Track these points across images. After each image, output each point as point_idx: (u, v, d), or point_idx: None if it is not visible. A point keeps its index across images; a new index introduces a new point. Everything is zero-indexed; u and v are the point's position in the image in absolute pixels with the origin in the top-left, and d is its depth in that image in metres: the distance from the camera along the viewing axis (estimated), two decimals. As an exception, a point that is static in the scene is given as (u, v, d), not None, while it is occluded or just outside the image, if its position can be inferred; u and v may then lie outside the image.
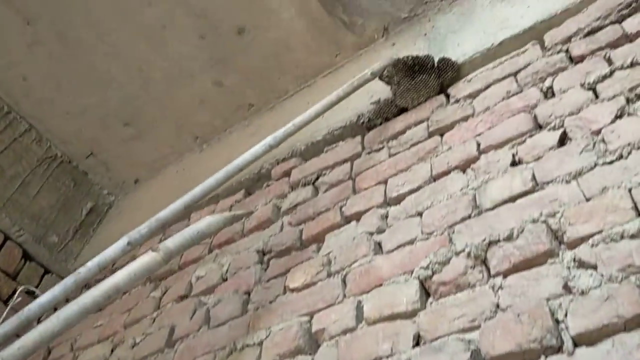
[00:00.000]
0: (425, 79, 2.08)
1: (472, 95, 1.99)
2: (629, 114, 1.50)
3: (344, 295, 1.68)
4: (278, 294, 1.86)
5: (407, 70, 2.13)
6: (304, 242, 2.02)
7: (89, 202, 3.29)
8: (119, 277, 1.48)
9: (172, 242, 1.60)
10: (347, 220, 1.96)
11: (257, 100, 2.92)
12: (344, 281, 1.73)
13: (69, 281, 1.54)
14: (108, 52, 2.82)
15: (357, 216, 1.93)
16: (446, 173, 1.81)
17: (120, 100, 2.98)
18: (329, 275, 1.79)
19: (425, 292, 1.54)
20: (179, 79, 2.87)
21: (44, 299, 1.51)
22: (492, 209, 1.57)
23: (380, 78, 2.19)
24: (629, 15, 1.77)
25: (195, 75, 2.85)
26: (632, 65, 1.62)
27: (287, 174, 2.37)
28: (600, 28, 1.80)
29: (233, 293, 2.00)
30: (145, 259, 1.53)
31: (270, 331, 1.74)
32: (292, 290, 1.83)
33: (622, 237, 1.27)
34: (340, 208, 2.01)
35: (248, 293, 1.98)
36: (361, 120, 2.27)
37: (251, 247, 2.15)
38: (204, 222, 1.70)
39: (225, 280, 2.13)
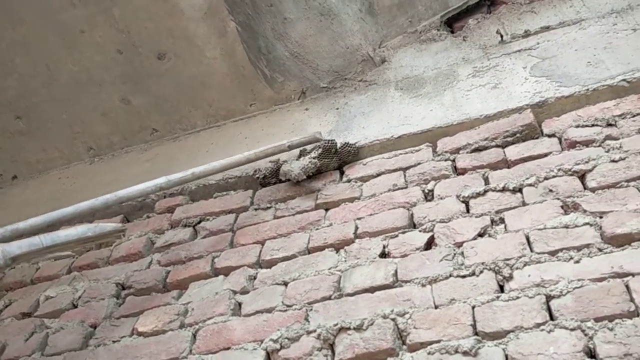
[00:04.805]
0: (327, 162, 2.15)
1: (364, 179, 2.07)
2: (489, 235, 1.62)
3: (190, 351, 1.64)
4: (125, 334, 1.79)
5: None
6: (168, 285, 1.96)
7: (-45, 189, 3.03)
8: None
9: (18, 246, 1.47)
10: (216, 272, 1.94)
11: (162, 128, 2.86)
12: (194, 336, 1.69)
13: None
14: (16, 41, 2.67)
15: (227, 271, 1.91)
16: (321, 249, 1.85)
17: (18, 92, 2.81)
18: (182, 326, 1.75)
19: (269, 365, 1.54)
20: (86, 86, 2.76)
21: None
22: (352, 295, 1.62)
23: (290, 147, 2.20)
24: (512, 143, 1.94)
25: (103, 87, 2.76)
26: (504, 189, 1.76)
27: (171, 210, 2.32)
28: (485, 148, 1.95)
29: (78, 323, 1.90)
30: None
31: (104, 373, 1.66)
32: (140, 334, 1.76)
33: (456, 351, 1.34)
34: (213, 259, 1.99)
35: (94, 326, 1.88)
36: (257, 175, 2.28)
37: (112, 277, 2.06)
38: (65, 231, 1.58)
39: (75, 307, 2.01)
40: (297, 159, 2.18)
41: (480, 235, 1.64)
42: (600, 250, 1.44)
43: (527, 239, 1.55)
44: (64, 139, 2.93)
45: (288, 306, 1.66)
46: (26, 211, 2.70)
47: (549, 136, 1.91)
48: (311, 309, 1.62)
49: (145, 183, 1.95)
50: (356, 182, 2.08)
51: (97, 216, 2.41)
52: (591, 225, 1.52)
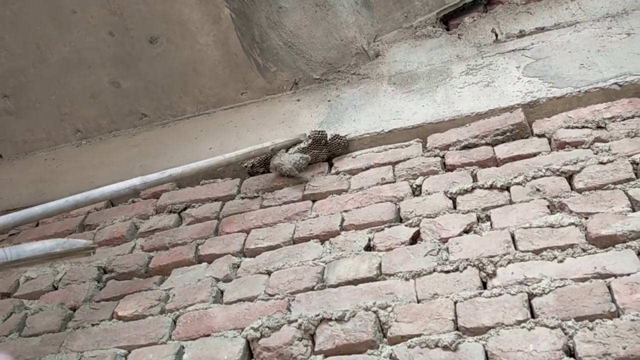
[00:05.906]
0: (316, 153, 2.14)
1: (352, 172, 2.06)
2: (475, 232, 1.62)
3: (170, 337, 1.63)
4: (104, 318, 1.77)
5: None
6: (150, 270, 1.94)
7: (-64, 166, 2.99)
8: None
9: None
10: (199, 260, 1.92)
11: (151, 113, 2.83)
12: (174, 322, 1.68)
13: None
14: (6, 18, 2.62)
15: (210, 258, 1.90)
16: (306, 239, 1.84)
17: (6, 70, 2.77)
18: (162, 312, 1.73)
19: (250, 353, 1.53)
20: (76, 68, 2.73)
21: None
22: (335, 286, 1.61)
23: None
24: (502, 142, 1.93)
25: (93, 68, 2.72)
26: (491, 187, 1.76)
27: (157, 195, 2.30)
28: (475, 145, 1.95)
29: (58, 305, 1.87)
30: None
31: (82, 356, 1.64)
32: (120, 318, 1.75)
33: (436, 345, 1.34)
34: (197, 246, 1.97)
35: (74, 309, 1.86)
36: (245, 164, 2.26)
37: (94, 260, 2.04)
38: (32, 245, 1.53)
39: (55, 288, 1.99)
40: (286, 151, 2.17)
41: (466, 231, 1.63)
42: (584, 250, 1.44)
43: (512, 237, 1.55)
44: (51, 120, 2.90)
45: (270, 295, 1.65)
46: (9, 191, 2.68)
47: (539, 136, 1.91)
48: (293, 299, 1.61)
49: (119, 184, 1.87)
50: (345, 174, 2.07)
51: (79, 205, 2.38)
52: (576, 225, 1.52)
